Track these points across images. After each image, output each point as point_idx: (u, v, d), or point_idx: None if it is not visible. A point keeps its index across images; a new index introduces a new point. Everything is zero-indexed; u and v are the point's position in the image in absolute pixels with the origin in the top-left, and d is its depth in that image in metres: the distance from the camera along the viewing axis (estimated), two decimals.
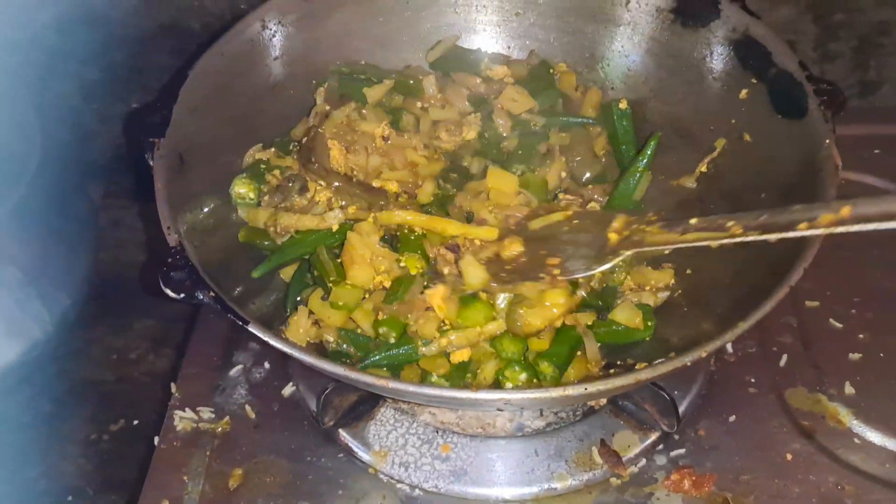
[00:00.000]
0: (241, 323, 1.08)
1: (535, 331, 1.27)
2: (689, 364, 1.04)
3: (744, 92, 1.41)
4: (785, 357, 1.46)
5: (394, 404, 1.38)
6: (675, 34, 1.49)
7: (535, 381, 1.24)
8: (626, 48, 1.55)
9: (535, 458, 1.33)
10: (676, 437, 1.36)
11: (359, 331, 1.29)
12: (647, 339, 1.29)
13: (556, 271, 1.24)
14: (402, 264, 1.31)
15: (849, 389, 1.41)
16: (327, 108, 1.47)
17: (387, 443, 1.35)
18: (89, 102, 2.06)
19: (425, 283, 1.29)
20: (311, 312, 1.28)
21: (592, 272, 1.24)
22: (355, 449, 1.35)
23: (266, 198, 1.39)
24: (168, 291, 1.11)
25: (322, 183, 1.39)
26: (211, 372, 1.47)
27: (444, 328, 1.26)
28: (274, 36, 1.48)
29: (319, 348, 1.29)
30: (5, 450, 1.72)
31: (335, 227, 1.33)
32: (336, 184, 1.38)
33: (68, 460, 1.79)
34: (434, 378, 1.25)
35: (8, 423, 1.80)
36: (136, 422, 1.82)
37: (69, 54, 1.96)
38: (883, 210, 0.94)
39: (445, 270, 1.29)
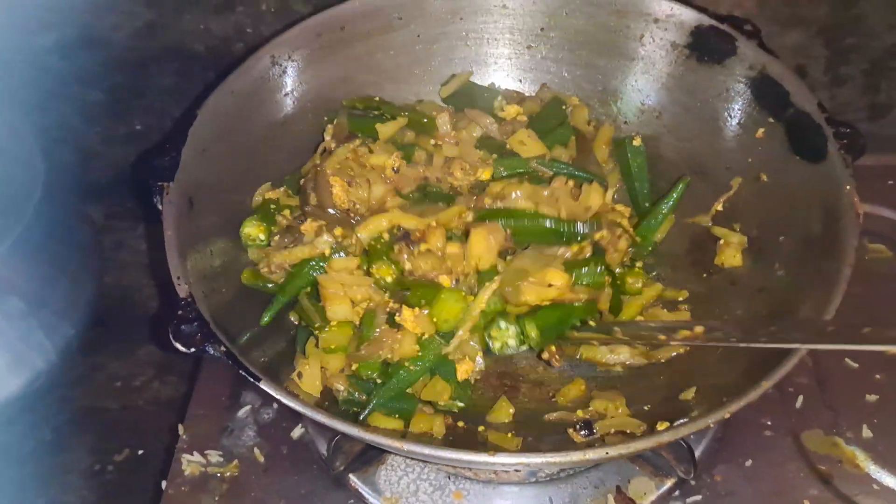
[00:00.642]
0: (252, 380, 1.06)
1: (524, 304, 1.28)
2: (711, 425, 1.02)
3: (760, 131, 1.39)
4: (801, 398, 1.44)
5: None
6: (691, 70, 1.48)
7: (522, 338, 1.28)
8: (640, 83, 1.53)
9: None
10: (693, 483, 1.34)
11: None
12: None
13: None
14: (374, 284, 1.31)
15: (866, 432, 1.39)
16: (333, 145, 1.44)
17: (398, 489, 1.33)
18: (91, 125, 2.03)
19: (388, 311, 1.28)
20: None
21: None
22: (366, 495, 1.34)
23: (276, 238, 1.36)
24: (178, 346, 1.09)
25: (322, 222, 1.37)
26: (219, 412, 1.45)
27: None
28: (284, 72, 1.46)
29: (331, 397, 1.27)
30: (6, 481, 1.70)
31: (327, 252, 1.31)
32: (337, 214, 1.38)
33: (71, 492, 1.76)
34: (441, 403, 1.25)
35: (9, 454, 1.77)
36: (140, 452, 1.78)
37: (71, 77, 1.93)
38: None
39: (407, 266, 1.30)
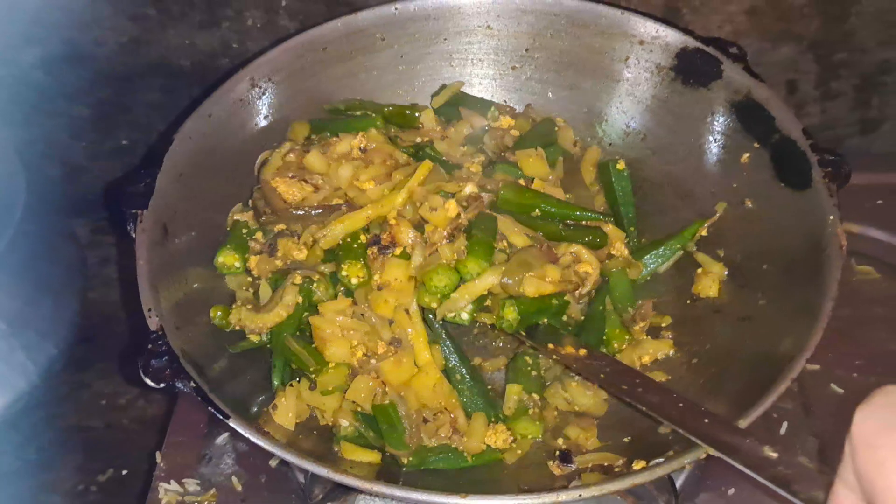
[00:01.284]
0: (221, 417, 1.05)
1: (522, 294, 1.27)
2: (686, 465, 1.01)
3: (746, 156, 1.37)
4: (785, 424, 1.42)
5: None
6: (676, 92, 1.46)
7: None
8: (625, 105, 1.52)
9: None
10: None
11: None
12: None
13: None
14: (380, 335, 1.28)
15: None
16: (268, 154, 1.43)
17: None
18: (77, 139, 2.02)
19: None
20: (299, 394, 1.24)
21: None
22: None
23: (238, 304, 1.33)
24: (147, 381, 1.08)
25: (282, 226, 1.36)
26: (197, 440, 1.44)
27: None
28: (264, 93, 1.45)
29: (310, 426, 1.26)
30: None
31: (300, 301, 1.29)
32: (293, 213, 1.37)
33: None
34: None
35: None
36: (125, 471, 1.78)
37: (56, 92, 1.92)
38: None
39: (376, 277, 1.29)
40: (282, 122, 1.48)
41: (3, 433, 1.78)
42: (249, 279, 1.38)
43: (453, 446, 1.22)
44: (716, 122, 1.41)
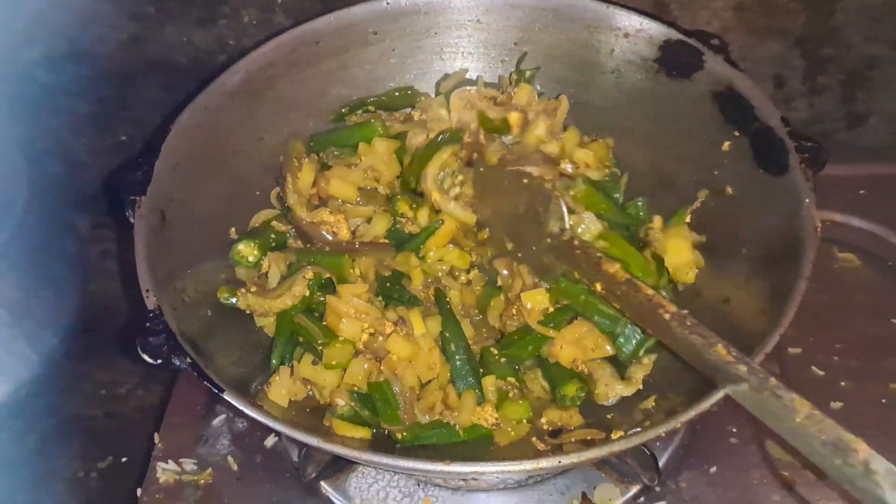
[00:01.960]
0: (216, 391, 1.08)
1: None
2: (663, 434, 1.04)
3: (727, 144, 1.41)
4: None
5: None
6: (660, 83, 1.50)
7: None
8: (611, 96, 1.55)
9: None
10: (658, 489, 1.36)
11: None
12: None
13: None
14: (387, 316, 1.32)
15: None
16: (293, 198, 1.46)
17: (368, 496, 1.36)
18: (79, 136, 2.06)
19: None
20: (292, 372, 1.27)
21: None
22: (336, 502, 1.36)
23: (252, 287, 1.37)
24: (145, 357, 1.11)
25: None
26: (195, 421, 1.48)
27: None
28: (259, 87, 1.48)
29: (304, 405, 1.29)
30: None
31: (307, 293, 1.33)
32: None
33: (56, 498, 1.79)
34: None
35: None
36: (124, 459, 1.82)
37: (59, 89, 1.96)
38: None
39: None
40: (275, 115, 1.51)
41: (5, 421, 1.82)
42: (257, 273, 1.42)
43: (445, 421, 1.25)
44: (698, 112, 1.45)
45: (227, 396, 1.09)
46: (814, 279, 1.49)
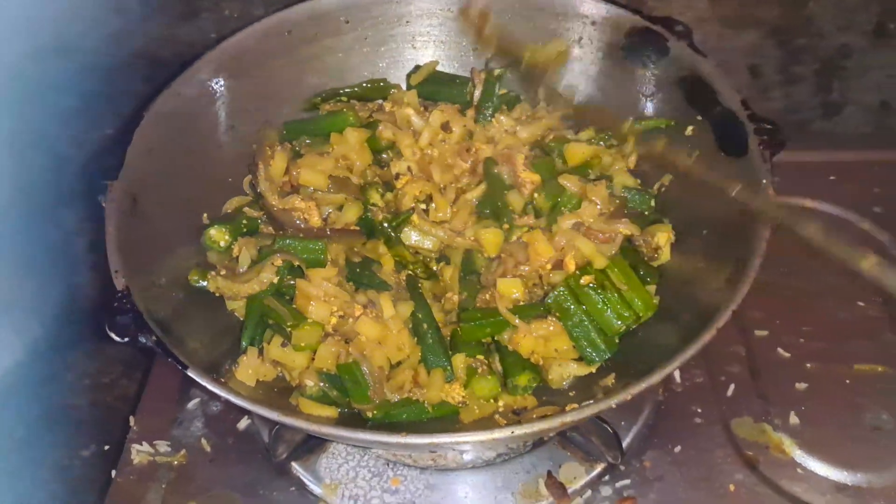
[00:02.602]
0: (180, 367, 1.11)
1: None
2: (613, 406, 1.07)
3: (690, 128, 1.43)
4: (732, 387, 1.49)
5: None
6: (626, 71, 1.53)
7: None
8: (577, 82, 1.57)
9: (483, 490, 1.36)
10: (622, 468, 1.38)
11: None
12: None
13: None
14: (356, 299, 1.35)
15: (793, 419, 1.43)
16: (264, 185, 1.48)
17: (338, 476, 1.38)
18: (65, 129, 2.08)
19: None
20: (260, 352, 1.30)
21: None
22: (307, 482, 1.39)
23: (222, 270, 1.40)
24: (112, 335, 1.14)
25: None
26: (170, 405, 1.51)
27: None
28: (231, 75, 1.51)
29: (273, 386, 1.32)
30: None
31: (275, 280, 1.35)
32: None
33: (40, 486, 1.81)
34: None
35: None
36: (106, 447, 1.83)
37: (46, 83, 1.98)
38: None
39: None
40: (249, 103, 1.54)
41: None
42: (227, 258, 1.44)
43: (415, 399, 1.28)
44: (663, 97, 1.47)
45: (190, 373, 1.11)
46: (782, 264, 1.53)
